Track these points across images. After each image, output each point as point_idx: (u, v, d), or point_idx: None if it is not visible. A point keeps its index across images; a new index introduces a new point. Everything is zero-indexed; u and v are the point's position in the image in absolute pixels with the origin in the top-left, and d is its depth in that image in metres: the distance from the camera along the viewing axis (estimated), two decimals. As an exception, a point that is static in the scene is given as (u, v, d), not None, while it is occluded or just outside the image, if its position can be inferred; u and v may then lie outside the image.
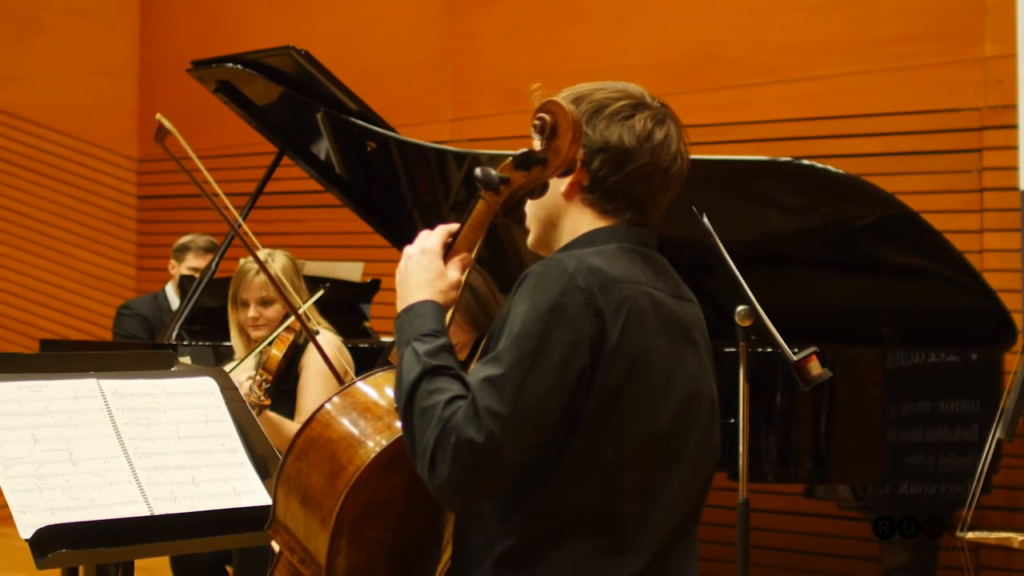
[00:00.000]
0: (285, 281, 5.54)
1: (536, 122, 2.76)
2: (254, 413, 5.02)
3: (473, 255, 2.89)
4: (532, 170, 2.77)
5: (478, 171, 2.77)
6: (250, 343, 5.65)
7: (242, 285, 5.61)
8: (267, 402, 5.10)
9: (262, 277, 5.54)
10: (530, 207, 2.93)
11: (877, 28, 7.30)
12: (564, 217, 2.88)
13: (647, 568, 2.72)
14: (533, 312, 2.63)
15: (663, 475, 2.76)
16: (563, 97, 2.84)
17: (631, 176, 2.82)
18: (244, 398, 4.96)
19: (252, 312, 5.59)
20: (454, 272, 2.83)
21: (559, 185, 2.84)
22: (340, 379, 4.80)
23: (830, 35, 7.47)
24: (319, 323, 5.74)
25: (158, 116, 4.55)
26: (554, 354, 2.61)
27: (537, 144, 2.81)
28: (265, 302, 5.59)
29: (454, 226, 2.86)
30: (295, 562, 2.89)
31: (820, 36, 7.51)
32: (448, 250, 2.84)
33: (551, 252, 2.85)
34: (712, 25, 7.94)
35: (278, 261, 5.63)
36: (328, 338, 5.62)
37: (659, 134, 2.86)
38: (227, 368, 5.29)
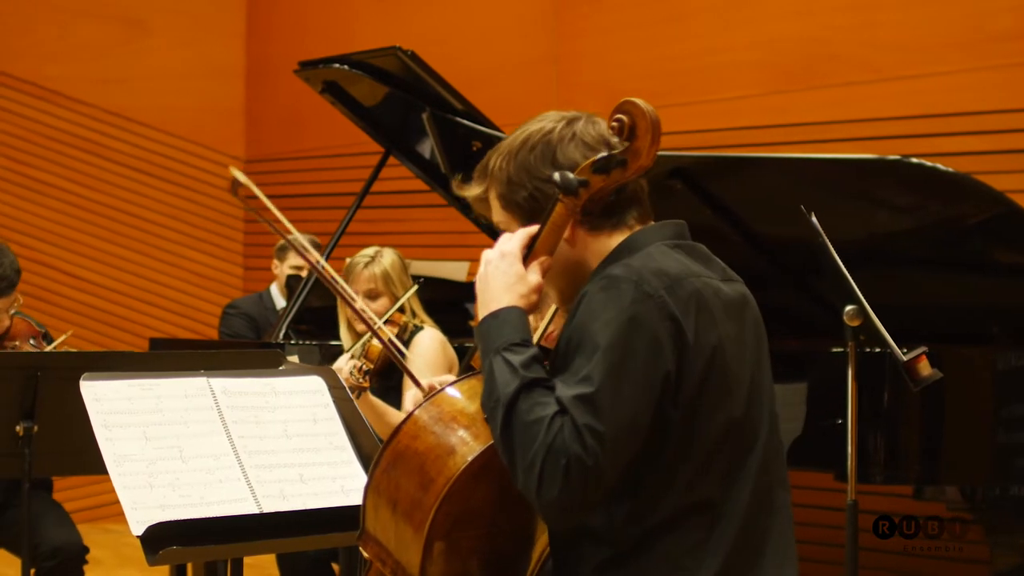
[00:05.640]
0: (393, 277, 5.65)
1: (614, 124, 2.76)
2: (353, 396, 5.08)
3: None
4: (611, 173, 2.77)
5: (557, 175, 2.77)
6: (357, 337, 5.70)
7: (350, 278, 5.71)
8: (366, 384, 5.14)
9: (370, 270, 5.63)
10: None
11: (989, 24, 7.21)
12: (582, 255, 2.88)
13: (740, 544, 2.74)
14: (611, 326, 2.64)
15: (744, 455, 2.78)
16: (503, 154, 2.88)
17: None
18: (344, 382, 5.02)
19: (359, 306, 5.66)
20: (534, 275, 2.83)
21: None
22: (419, 386, 4.80)
23: (940, 31, 7.39)
24: (423, 320, 5.78)
25: (232, 170, 4.60)
26: (640, 364, 2.62)
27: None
28: (372, 295, 5.68)
29: (533, 228, 2.86)
30: (387, 573, 2.88)
31: (930, 32, 7.43)
32: (527, 253, 2.84)
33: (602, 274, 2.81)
34: (818, 22, 7.87)
35: (386, 258, 5.72)
36: (432, 334, 5.67)
37: (603, 130, 2.84)
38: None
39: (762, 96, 7.93)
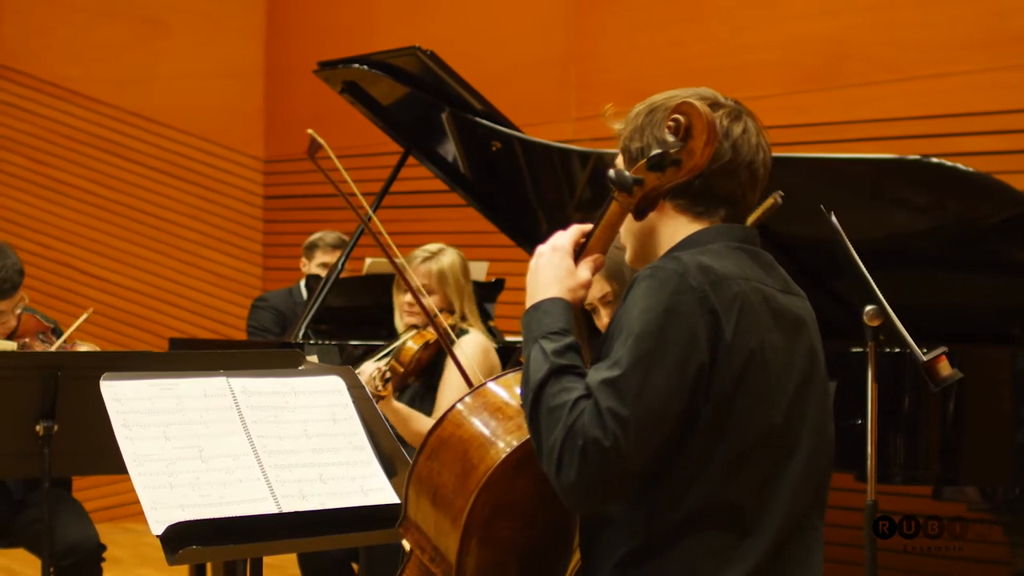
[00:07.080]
0: (449, 278, 5.60)
1: (670, 123, 2.76)
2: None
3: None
4: (666, 171, 2.77)
5: (612, 172, 2.80)
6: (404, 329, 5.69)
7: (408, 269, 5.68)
8: (384, 393, 5.09)
9: (427, 266, 5.60)
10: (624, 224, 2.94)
11: (1008, 24, 7.19)
12: (659, 227, 2.90)
13: (767, 560, 2.73)
14: (648, 314, 2.65)
15: (780, 467, 2.77)
16: (646, 103, 2.89)
17: (717, 175, 2.83)
18: (364, 385, 5.02)
19: (409, 297, 5.63)
20: (585, 272, 2.85)
21: None
22: (471, 386, 4.81)
23: (960, 31, 7.37)
24: (472, 325, 5.75)
25: (310, 131, 4.59)
26: (671, 354, 2.63)
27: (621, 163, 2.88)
28: (425, 291, 5.61)
29: (588, 226, 2.88)
30: (425, 561, 2.91)
31: (950, 32, 7.41)
32: (580, 250, 2.86)
33: (651, 263, 2.84)
34: (838, 22, 7.86)
35: (447, 257, 5.69)
36: (476, 338, 5.64)
37: (737, 129, 2.87)
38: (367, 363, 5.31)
39: (782, 96, 7.92)
